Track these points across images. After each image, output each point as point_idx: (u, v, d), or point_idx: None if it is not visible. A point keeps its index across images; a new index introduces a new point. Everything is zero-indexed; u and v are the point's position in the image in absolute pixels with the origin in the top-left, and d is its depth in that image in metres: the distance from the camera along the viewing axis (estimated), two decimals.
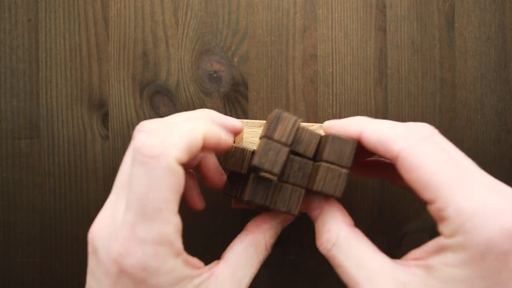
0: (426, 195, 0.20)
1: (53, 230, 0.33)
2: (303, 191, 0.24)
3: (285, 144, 0.23)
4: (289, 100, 0.34)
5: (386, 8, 0.34)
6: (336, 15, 0.34)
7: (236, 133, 0.27)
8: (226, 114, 0.34)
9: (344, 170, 0.23)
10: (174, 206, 0.21)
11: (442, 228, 0.20)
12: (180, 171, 0.21)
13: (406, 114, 0.34)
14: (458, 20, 0.34)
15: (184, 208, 0.34)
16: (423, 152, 0.21)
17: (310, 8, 0.34)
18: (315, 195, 0.26)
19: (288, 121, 0.24)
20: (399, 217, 0.33)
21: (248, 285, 0.24)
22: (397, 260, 0.22)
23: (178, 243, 0.22)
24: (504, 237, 0.18)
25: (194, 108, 0.33)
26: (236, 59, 0.34)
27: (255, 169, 0.24)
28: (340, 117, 0.34)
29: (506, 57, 0.34)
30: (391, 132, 0.22)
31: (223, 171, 0.28)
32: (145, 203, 0.20)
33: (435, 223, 0.21)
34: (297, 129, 0.24)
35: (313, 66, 0.34)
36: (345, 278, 0.22)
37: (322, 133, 0.28)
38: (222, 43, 0.33)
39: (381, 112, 0.34)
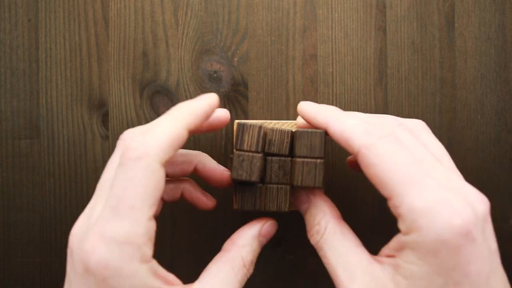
0: (383, 192, 0.21)
1: (53, 230, 0.33)
2: (288, 187, 0.26)
3: (256, 152, 0.24)
4: (289, 100, 0.34)
5: (386, 8, 0.34)
6: (336, 15, 0.34)
7: (223, 123, 0.27)
8: None
9: (318, 161, 0.24)
10: (148, 208, 0.21)
11: (399, 225, 0.21)
12: (160, 172, 0.21)
13: (406, 114, 0.34)
14: (458, 20, 0.34)
15: (184, 210, 0.34)
16: (382, 150, 0.21)
17: (310, 8, 0.34)
18: (301, 190, 0.26)
19: (253, 130, 0.25)
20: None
21: None
22: (374, 256, 0.23)
23: (147, 249, 0.21)
24: (454, 234, 0.19)
25: None
26: (236, 59, 0.34)
27: (235, 182, 0.25)
28: None
29: (506, 57, 0.34)
30: (354, 128, 0.22)
31: (223, 167, 0.28)
32: (120, 200, 0.20)
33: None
34: (265, 134, 0.25)
35: (313, 66, 0.34)
36: (327, 268, 0.23)
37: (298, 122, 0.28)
38: (222, 43, 0.33)
39: (381, 112, 0.34)
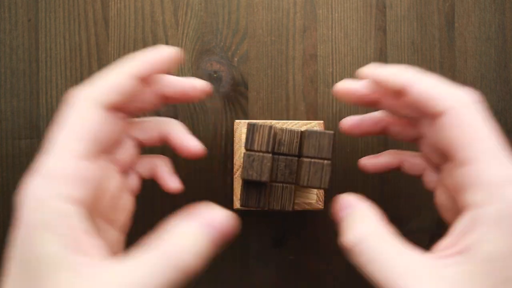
0: (462, 156, 0.20)
1: None
2: (293, 187, 0.26)
3: (266, 152, 0.24)
4: (289, 100, 0.34)
5: (386, 8, 0.34)
6: (336, 15, 0.34)
7: (198, 93, 0.24)
8: (226, 114, 0.34)
9: (325, 162, 0.24)
10: (79, 147, 0.20)
11: (473, 196, 0.19)
12: (97, 114, 0.21)
13: None
14: (458, 20, 0.34)
15: (181, 210, 0.34)
16: (472, 113, 0.21)
17: (310, 8, 0.34)
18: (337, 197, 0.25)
19: (263, 130, 0.25)
20: (400, 216, 0.33)
21: None
22: (429, 254, 0.20)
23: (71, 188, 0.19)
24: None
25: (194, 108, 0.33)
26: (236, 59, 0.34)
27: (245, 181, 0.25)
28: (340, 117, 0.34)
29: (506, 57, 0.34)
30: (442, 89, 0.22)
31: (193, 136, 0.25)
32: (52, 142, 0.21)
33: (449, 205, 0.21)
34: (275, 134, 0.25)
35: (313, 66, 0.34)
36: (376, 274, 0.19)
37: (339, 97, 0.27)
38: (222, 43, 0.34)
39: None
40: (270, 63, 0.34)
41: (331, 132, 0.24)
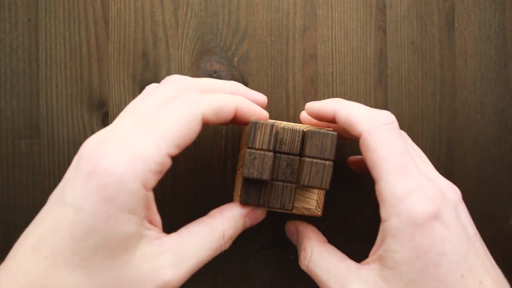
0: (373, 174, 0.23)
1: None
2: (294, 186, 0.26)
3: (267, 150, 0.24)
4: (289, 100, 0.34)
5: (386, 8, 0.34)
6: (336, 15, 0.34)
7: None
8: None
9: (327, 163, 0.24)
10: (174, 144, 0.22)
11: (381, 212, 0.23)
12: (196, 123, 0.23)
13: (406, 114, 0.34)
14: (458, 20, 0.34)
15: (183, 207, 0.34)
16: (382, 136, 0.23)
17: (310, 8, 0.34)
18: (291, 223, 0.29)
19: (265, 128, 0.24)
20: None
21: (192, 269, 0.23)
22: (361, 262, 0.24)
23: (153, 177, 0.21)
24: (426, 218, 0.21)
25: None
26: (236, 59, 0.34)
27: (246, 179, 0.25)
28: None
29: (506, 57, 0.34)
30: (360, 113, 0.24)
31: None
32: (155, 124, 0.22)
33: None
34: (277, 133, 0.25)
35: (313, 66, 0.34)
36: (321, 286, 0.25)
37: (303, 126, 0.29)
38: (222, 43, 0.34)
39: None
40: (270, 63, 0.34)
41: (335, 133, 0.24)
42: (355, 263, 0.25)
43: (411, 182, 0.22)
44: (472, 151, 0.34)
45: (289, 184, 0.26)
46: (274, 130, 0.24)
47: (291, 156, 0.25)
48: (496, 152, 0.34)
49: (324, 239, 0.28)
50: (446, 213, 0.22)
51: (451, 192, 0.24)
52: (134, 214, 0.21)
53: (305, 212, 0.29)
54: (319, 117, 0.27)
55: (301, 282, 0.34)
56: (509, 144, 0.34)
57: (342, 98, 0.33)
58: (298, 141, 0.25)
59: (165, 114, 0.22)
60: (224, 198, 0.34)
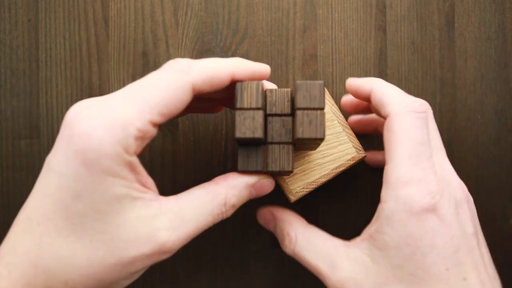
0: (386, 155, 0.24)
1: None
2: (291, 146, 0.25)
3: (257, 108, 0.24)
4: None
5: (386, 8, 0.34)
6: (336, 15, 0.34)
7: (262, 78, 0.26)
8: (226, 114, 0.34)
9: (319, 112, 0.24)
10: (158, 111, 0.21)
11: (382, 192, 0.23)
12: (183, 92, 0.22)
13: None
14: (458, 20, 0.34)
15: None
16: (403, 121, 0.23)
17: (310, 8, 0.34)
18: (265, 209, 0.28)
19: (251, 87, 0.24)
20: None
21: (190, 234, 0.22)
22: (350, 240, 0.25)
23: (134, 142, 0.21)
24: (422, 209, 0.22)
25: None
26: None
27: (239, 142, 0.25)
28: None
29: (506, 57, 0.34)
30: (392, 96, 0.25)
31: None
32: (136, 91, 0.21)
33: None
34: (264, 91, 0.24)
35: (313, 66, 0.34)
36: (311, 269, 0.25)
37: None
38: (222, 43, 0.33)
39: None
40: (270, 63, 0.34)
41: (321, 81, 0.24)
42: (342, 241, 0.25)
43: (418, 172, 0.23)
44: (472, 151, 0.34)
45: (285, 145, 0.25)
46: (260, 87, 0.24)
47: (283, 117, 0.25)
48: (496, 152, 0.34)
49: (305, 221, 0.27)
50: (444, 208, 0.22)
51: (458, 190, 0.24)
52: (120, 178, 0.20)
53: (351, 163, 0.28)
54: (357, 93, 0.27)
55: (301, 282, 0.34)
56: (509, 144, 0.34)
57: (342, 98, 0.33)
58: (288, 101, 0.25)
59: (152, 82, 0.22)
60: None
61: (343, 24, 0.34)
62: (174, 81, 0.22)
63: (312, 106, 0.24)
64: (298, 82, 0.24)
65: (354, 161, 0.28)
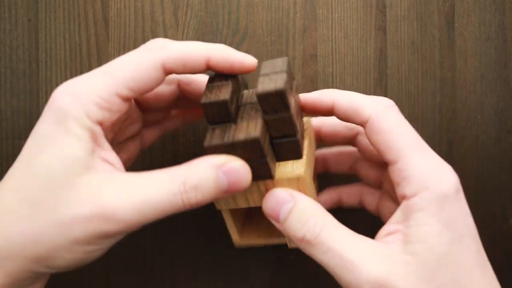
0: (390, 155, 0.23)
1: None
2: (260, 120, 0.23)
3: (227, 82, 0.24)
4: None
5: (386, 8, 0.34)
6: (336, 15, 0.34)
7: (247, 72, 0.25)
8: None
9: (279, 72, 0.23)
10: (125, 85, 0.23)
11: (404, 189, 0.22)
12: (150, 69, 0.23)
13: (406, 114, 0.34)
14: (458, 20, 0.34)
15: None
16: (389, 118, 0.23)
17: (310, 8, 0.34)
18: (282, 190, 0.24)
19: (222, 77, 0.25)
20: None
21: (140, 208, 0.21)
22: (375, 241, 0.23)
23: (98, 110, 0.22)
24: (454, 190, 0.22)
25: None
26: None
27: (209, 120, 0.24)
28: None
29: (506, 57, 0.34)
30: (362, 99, 0.24)
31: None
32: (112, 66, 0.23)
33: (394, 190, 0.23)
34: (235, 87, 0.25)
35: (313, 66, 0.34)
36: (332, 261, 0.22)
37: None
38: (222, 43, 0.33)
39: None
40: None
41: (287, 57, 0.25)
42: (371, 239, 0.23)
43: (435, 160, 0.23)
44: (472, 151, 0.34)
45: (254, 119, 0.23)
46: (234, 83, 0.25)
47: (254, 103, 0.25)
48: (496, 152, 0.34)
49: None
50: (461, 191, 0.23)
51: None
52: (79, 140, 0.21)
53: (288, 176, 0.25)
54: (315, 109, 0.26)
55: (301, 282, 0.34)
56: (509, 144, 0.34)
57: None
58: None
59: (123, 59, 0.23)
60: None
61: (343, 24, 0.34)
62: (143, 58, 0.23)
63: (274, 71, 0.23)
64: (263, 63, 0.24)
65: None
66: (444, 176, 0.22)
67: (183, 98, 0.28)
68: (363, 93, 0.33)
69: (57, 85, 0.33)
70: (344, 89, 0.34)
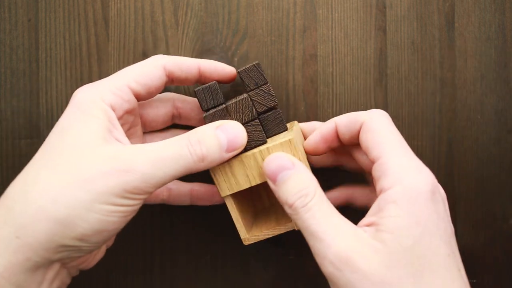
0: (374, 153, 0.25)
1: None
2: (245, 94, 0.28)
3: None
4: (289, 100, 0.34)
5: (386, 8, 0.34)
6: (336, 15, 0.34)
7: (228, 80, 0.30)
8: None
9: (255, 63, 0.28)
10: (128, 86, 0.27)
11: (382, 183, 0.24)
12: (157, 70, 0.27)
13: (406, 114, 0.34)
14: (458, 20, 0.34)
15: (183, 211, 0.34)
16: (379, 121, 0.26)
17: (310, 8, 0.34)
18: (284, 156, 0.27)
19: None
20: None
21: (155, 159, 0.24)
22: (355, 225, 0.24)
23: (110, 96, 0.26)
24: (428, 189, 0.23)
25: None
26: (236, 59, 0.34)
27: (202, 105, 0.28)
28: None
29: (506, 57, 0.34)
30: (358, 112, 0.27)
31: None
32: (120, 73, 0.27)
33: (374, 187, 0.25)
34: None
35: (313, 66, 0.34)
36: (311, 229, 0.24)
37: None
38: (222, 43, 0.34)
39: None
40: (270, 63, 0.34)
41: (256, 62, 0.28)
42: (350, 222, 0.24)
43: (414, 160, 0.25)
44: (472, 151, 0.34)
45: (240, 96, 0.28)
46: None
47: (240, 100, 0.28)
48: (496, 152, 0.34)
49: None
50: (440, 195, 0.24)
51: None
52: (97, 118, 0.24)
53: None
54: (325, 144, 0.29)
55: (301, 282, 0.34)
56: (509, 144, 0.34)
57: (342, 98, 0.34)
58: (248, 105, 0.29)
59: (131, 65, 0.28)
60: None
61: (343, 24, 0.34)
62: (148, 62, 0.27)
63: (252, 63, 0.28)
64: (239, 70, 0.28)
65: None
66: (420, 174, 0.24)
67: (179, 117, 0.32)
68: (363, 93, 0.34)
69: (57, 85, 0.33)
70: (344, 89, 0.34)
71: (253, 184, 0.27)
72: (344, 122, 0.28)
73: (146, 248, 0.34)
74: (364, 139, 0.26)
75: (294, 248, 0.34)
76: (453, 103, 0.34)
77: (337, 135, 0.28)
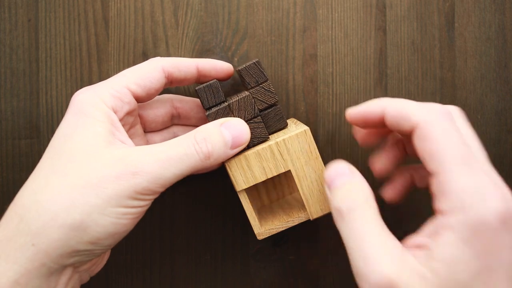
0: (432, 166, 0.22)
1: None
2: (246, 92, 0.28)
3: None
4: (289, 100, 0.34)
5: (386, 8, 0.34)
6: (336, 15, 0.34)
7: (226, 77, 0.30)
8: None
9: (255, 60, 0.28)
10: (132, 85, 0.27)
11: (440, 204, 0.21)
12: (157, 72, 0.27)
13: None
14: (458, 20, 0.34)
15: (183, 211, 0.34)
16: (438, 126, 0.22)
17: (310, 8, 0.34)
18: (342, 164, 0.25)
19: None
20: (399, 217, 0.33)
21: (162, 159, 0.24)
22: (401, 244, 0.22)
23: (110, 98, 0.26)
24: (497, 218, 0.20)
25: None
26: (236, 59, 0.34)
27: (204, 103, 0.28)
28: (340, 117, 0.34)
29: (506, 57, 0.34)
30: (411, 106, 0.23)
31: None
32: (119, 74, 0.27)
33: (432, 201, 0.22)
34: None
35: (313, 66, 0.34)
36: (354, 243, 0.22)
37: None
38: (222, 43, 0.34)
39: None
40: (270, 63, 0.34)
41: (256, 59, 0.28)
42: (399, 242, 0.22)
43: (477, 178, 0.21)
44: None
45: (242, 94, 0.29)
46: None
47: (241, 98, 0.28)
48: (496, 152, 0.34)
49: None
50: (511, 220, 0.20)
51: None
52: (98, 121, 0.24)
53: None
54: (365, 121, 0.26)
55: (301, 282, 0.34)
56: (509, 144, 0.34)
57: (342, 98, 0.33)
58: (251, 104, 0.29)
59: (129, 68, 0.28)
60: (223, 200, 0.34)
61: (343, 24, 0.34)
62: (146, 64, 0.28)
63: (252, 60, 0.28)
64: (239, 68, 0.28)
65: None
66: (486, 200, 0.20)
67: (178, 117, 0.32)
68: (363, 93, 0.34)
69: (57, 85, 0.33)
70: (344, 89, 0.34)
71: (269, 176, 0.28)
72: (393, 113, 0.24)
73: (146, 247, 0.34)
74: (420, 147, 0.22)
75: (294, 248, 0.34)
76: (453, 103, 0.34)
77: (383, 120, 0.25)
